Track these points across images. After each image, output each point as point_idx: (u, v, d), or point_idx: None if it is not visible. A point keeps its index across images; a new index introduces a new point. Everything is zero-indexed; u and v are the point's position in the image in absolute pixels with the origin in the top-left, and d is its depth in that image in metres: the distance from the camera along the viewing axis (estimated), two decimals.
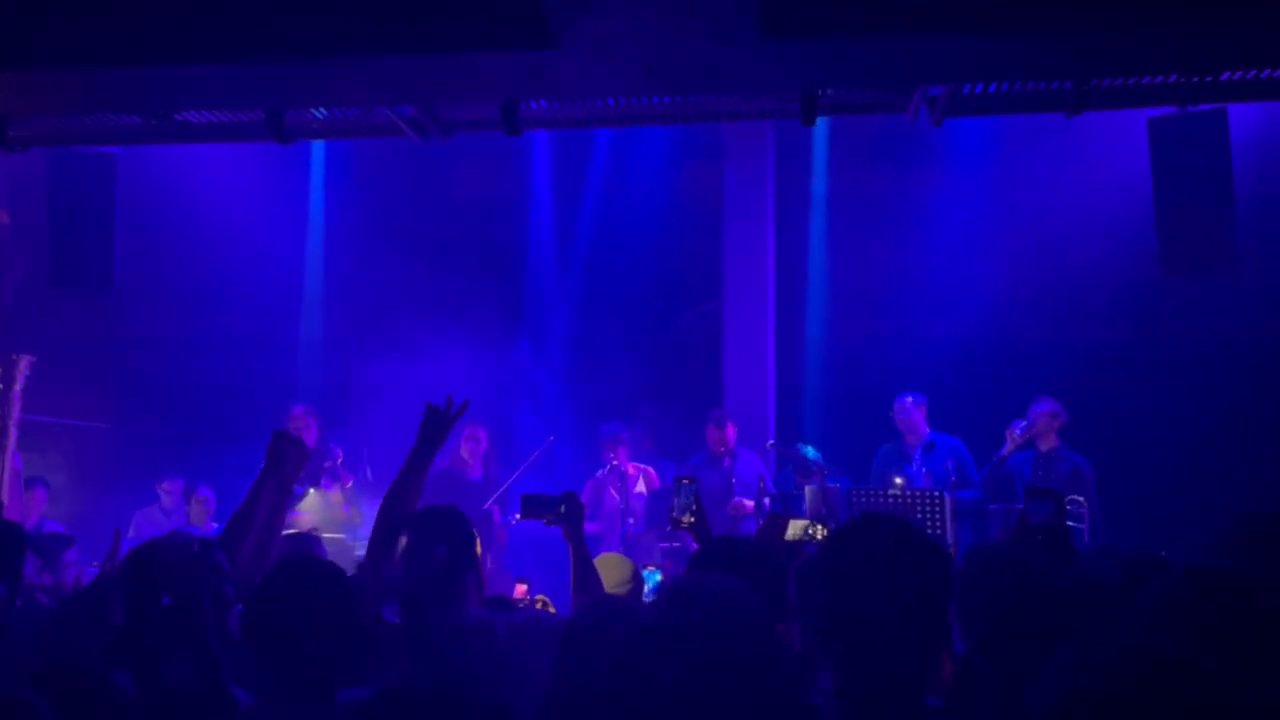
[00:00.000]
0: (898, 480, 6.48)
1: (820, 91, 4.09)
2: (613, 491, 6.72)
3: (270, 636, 2.05)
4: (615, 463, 6.69)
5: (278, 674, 2.04)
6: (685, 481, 3.49)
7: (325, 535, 5.82)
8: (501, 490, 6.57)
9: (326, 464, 6.55)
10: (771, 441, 7.20)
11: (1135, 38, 3.70)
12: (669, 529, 6.44)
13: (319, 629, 2.02)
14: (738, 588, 1.58)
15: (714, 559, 2.52)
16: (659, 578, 5.03)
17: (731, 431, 6.85)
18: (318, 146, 8.12)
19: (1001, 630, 2.20)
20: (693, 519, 3.20)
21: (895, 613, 1.64)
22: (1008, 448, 6.31)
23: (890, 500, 6.22)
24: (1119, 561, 3.84)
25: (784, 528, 3.12)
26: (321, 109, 4.44)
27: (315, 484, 6.51)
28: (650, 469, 6.89)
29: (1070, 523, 6.12)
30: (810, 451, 6.49)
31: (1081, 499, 6.06)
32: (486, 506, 6.44)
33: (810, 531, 5.76)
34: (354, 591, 2.15)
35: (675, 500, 3.51)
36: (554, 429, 7.31)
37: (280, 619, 2.05)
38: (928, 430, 6.61)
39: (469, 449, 6.78)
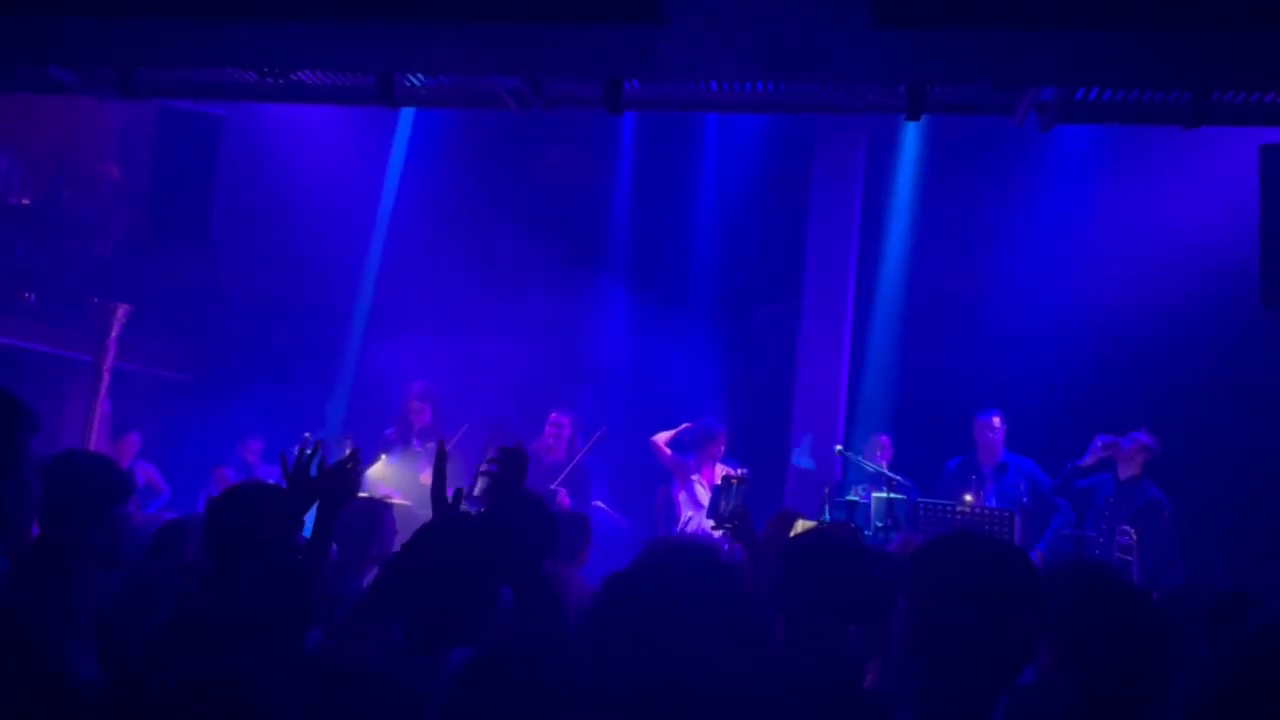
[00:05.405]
0: (967, 497, 6.36)
1: (929, 87, 4.01)
2: (701, 487, 6.68)
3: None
4: (697, 476, 6.69)
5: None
6: (735, 481, 3.32)
7: (395, 501, 5.96)
8: (565, 473, 6.59)
9: (430, 444, 6.65)
10: (840, 446, 7.13)
11: (1263, 45, 3.54)
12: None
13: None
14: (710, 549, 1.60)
15: (807, 562, 2.41)
16: None
17: None
18: (405, 116, 8.19)
19: (1084, 648, 2.14)
20: (737, 522, 2.93)
21: (981, 634, 1.62)
22: (1088, 459, 6.15)
23: (958, 516, 6.11)
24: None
25: (791, 524, 2.92)
26: (427, 76, 4.50)
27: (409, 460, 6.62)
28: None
29: (1120, 554, 5.98)
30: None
31: (1131, 530, 5.86)
32: (554, 486, 6.48)
33: None
34: None
35: (723, 500, 3.33)
36: (623, 417, 7.32)
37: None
38: (1003, 451, 6.49)
39: (553, 434, 6.82)
